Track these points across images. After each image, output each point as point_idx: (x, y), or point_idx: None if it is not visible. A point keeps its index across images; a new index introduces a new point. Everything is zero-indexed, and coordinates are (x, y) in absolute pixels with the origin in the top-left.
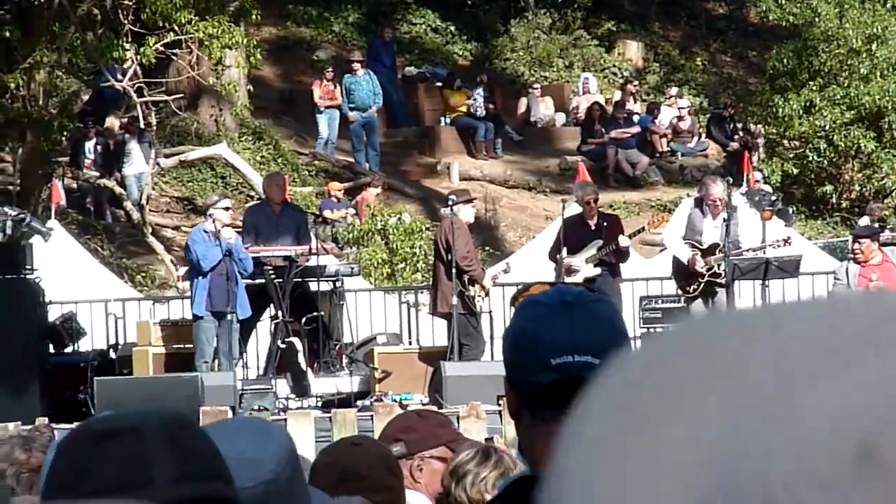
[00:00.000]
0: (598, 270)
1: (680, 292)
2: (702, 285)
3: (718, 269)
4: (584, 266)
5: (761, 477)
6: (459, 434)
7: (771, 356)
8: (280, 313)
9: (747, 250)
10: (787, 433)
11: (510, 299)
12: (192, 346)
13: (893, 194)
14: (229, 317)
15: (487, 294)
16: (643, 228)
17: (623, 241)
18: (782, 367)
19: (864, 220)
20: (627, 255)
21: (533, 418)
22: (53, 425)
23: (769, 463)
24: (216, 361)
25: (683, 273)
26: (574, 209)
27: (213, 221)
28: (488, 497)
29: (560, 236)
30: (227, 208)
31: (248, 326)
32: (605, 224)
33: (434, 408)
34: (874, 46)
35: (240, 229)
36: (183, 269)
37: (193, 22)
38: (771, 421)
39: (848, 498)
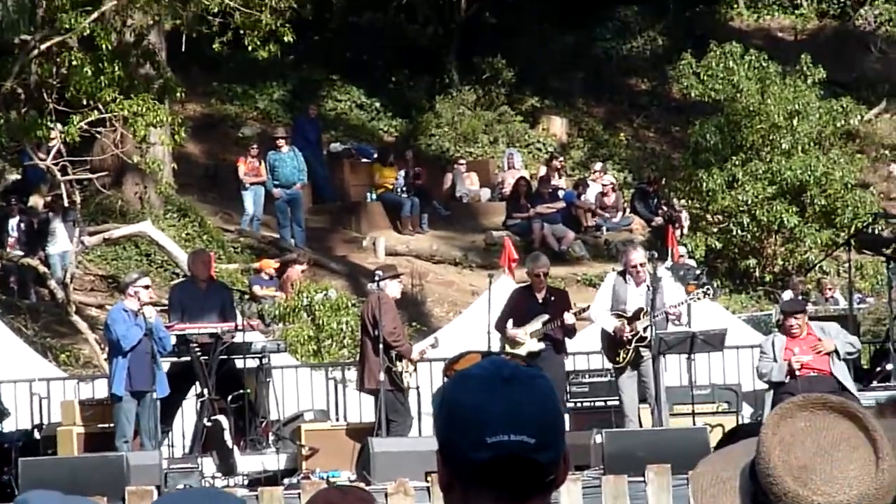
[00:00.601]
0: (542, 345)
1: (609, 365)
2: (630, 352)
3: (644, 332)
4: (528, 340)
5: None
6: None
7: None
8: (206, 391)
9: (671, 308)
10: None
11: (443, 369)
12: (108, 425)
13: (815, 268)
14: (148, 396)
15: (415, 369)
16: (587, 308)
17: (568, 317)
18: None
19: (788, 294)
20: (574, 332)
21: (465, 494)
22: None
23: None
24: (137, 440)
25: (612, 343)
26: (504, 282)
27: (136, 299)
28: None
29: (507, 307)
30: (146, 286)
31: (173, 404)
32: (552, 298)
33: (362, 484)
34: (795, 122)
35: (165, 306)
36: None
37: (118, 100)
38: None
39: None
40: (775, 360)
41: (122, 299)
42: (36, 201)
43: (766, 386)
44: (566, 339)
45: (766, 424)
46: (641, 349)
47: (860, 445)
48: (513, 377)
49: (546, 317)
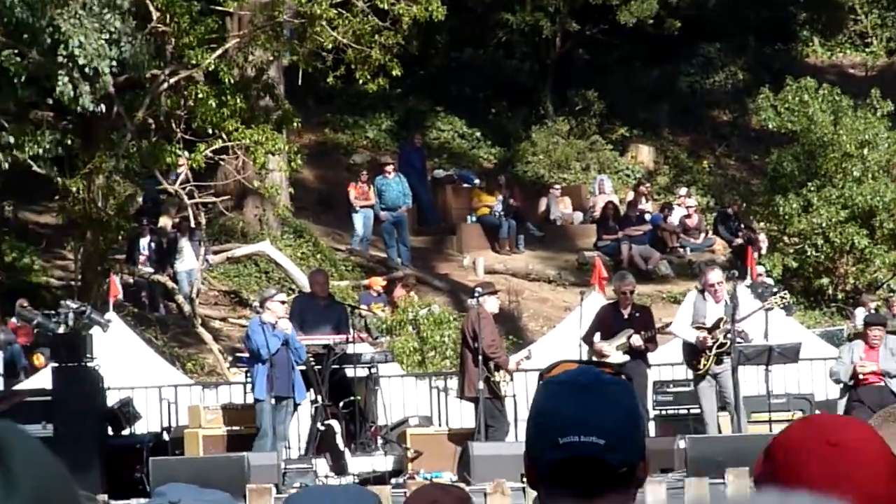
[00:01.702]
0: (626, 358)
1: (690, 375)
2: (710, 359)
3: (724, 338)
4: (613, 352)
5: None
6: None
7: None
8: (320, 397)
9: (748, 315)
10: None
11: (538, 376)
12: (241, 427)
13: (884, 286)
14: (285, 401)
15: (511, 379)
16: (670, 323)
17: (636, 340)
18: None
19: (861, 311)
20: (655, 346)
21: (545, 492)
22: (112, 502)
23: None
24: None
25: (693, 352)
26: (595, 299)
27: (273, 313)
28: None
29: (595, 321)
30: (283, 301)
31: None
32: (637, 314)
33: (462, 485)
34: (866, 151)
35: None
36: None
37: (240, 130)
38: None
39: None
40: (847, 363)
41: (248, 312)
42: (165, 222)
43: (838, 395)
44: (648, 352)
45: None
46: (721, 356)
47: None
48: (590, 383)
49: (631, 331)
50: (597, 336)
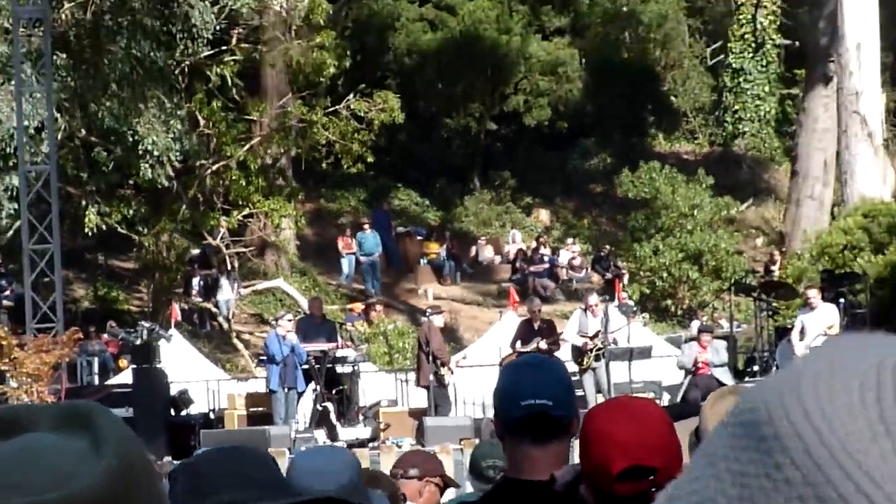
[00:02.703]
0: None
1: (576, 368)
2: (590, 359)
3: (600, 343)
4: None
5: None
6: (443, 468)
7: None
8: (318, 387)
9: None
10: None
11: (499, 363)
12: (263, 408)
13: (710, 305)
14: (290, 391)
15: (452, 373)
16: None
17: (543, 344)
18: None
19: (694, 322)
20: (558, 347)
21: (512, 443)
22: (175, 462)
23: None
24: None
25: (578, 353)
26: (510, 317)
27: (283, 328)
28: None
29: (516, 333)
30: (290, 320)
31: (298, 396)
32: (544, 326)
33: (419, 447)
34: (695, 212)
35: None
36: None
37: (261, 201)
38: None
39: None
40: (689, 360)
41: (271, 329)
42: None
43: (679, 381)
44: (553, 352)
45: (705, 404)
46: (598, 356)
47: None
48: (538, 363)
49: (540, 338)
50: (518, 343)
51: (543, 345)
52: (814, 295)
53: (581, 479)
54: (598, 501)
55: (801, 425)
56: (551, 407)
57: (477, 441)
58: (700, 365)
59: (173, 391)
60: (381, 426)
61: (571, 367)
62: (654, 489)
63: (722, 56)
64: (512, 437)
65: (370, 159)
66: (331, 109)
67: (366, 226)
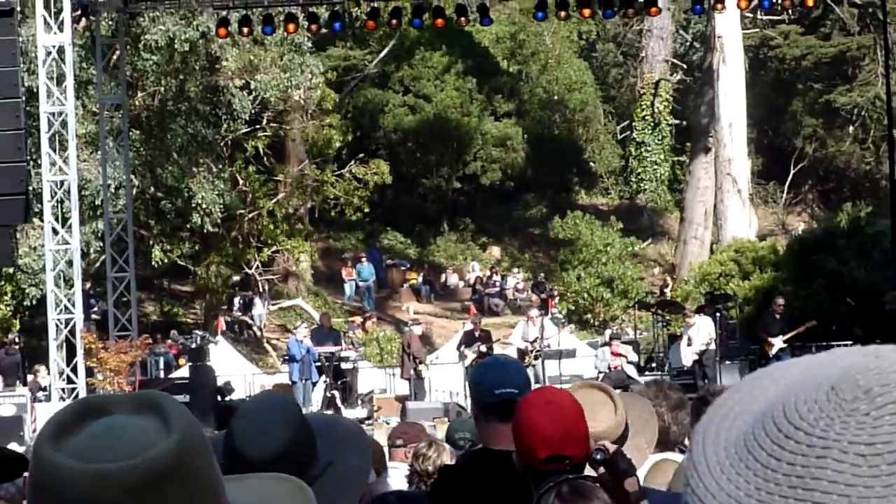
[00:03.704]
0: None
1: None
2: (530, 359)
3: (538, 347)
4: (471, 354)
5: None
6: (429, 436)
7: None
8: (328, 379)
9: (550, 336)
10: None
11: (471, 362)
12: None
13: (619, 318)
14: (307, 382)
15: (428, 369)
16: (498, 339)
17: (483, 348)
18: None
19: (608, 331)
20: (492, 351)
21: (485, 421)
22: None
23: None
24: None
25: (521, 355)
26: (470, 328)
27: (300, 335)
28: (431, 468)
29: (462, 338)
30: (306, 329)
31: (312, 386)
32: (483, 334)
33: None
34: (608, 249)
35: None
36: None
37: (285, 241)
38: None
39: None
40: (603, 360)
41: (294, 335)
42: (246, 290)
43: (595, 375)
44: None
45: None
46: (537, 356)
47: (607, 402)
48: (505, 362)
49: (480, 343)
50: (463, 346)
51: (483, 348)
52: (690, 316)
53: None
54: (525, 471)
55: None
56: (517, 394)
57: (446, 420)
58: (614, 366)
59: (220, 382)
60: (375, 408)
61: None
62: (568, 468)
63: (629, 132)
64: (485, 416)
65: (366, 210)
66: (337, 172)
67: (363, 259)
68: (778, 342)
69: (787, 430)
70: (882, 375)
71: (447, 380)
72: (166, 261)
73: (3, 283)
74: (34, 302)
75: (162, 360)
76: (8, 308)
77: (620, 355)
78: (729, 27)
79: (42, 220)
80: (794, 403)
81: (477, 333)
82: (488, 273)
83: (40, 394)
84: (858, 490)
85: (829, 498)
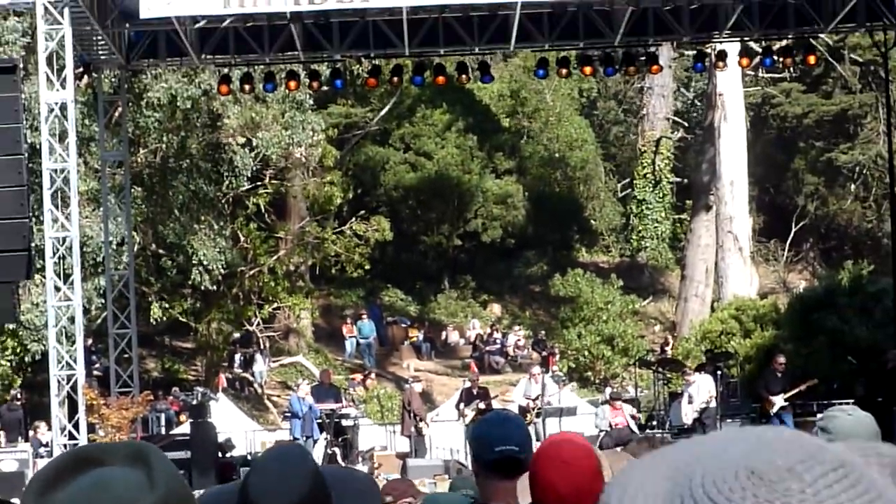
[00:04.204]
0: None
1: None
2: (532, 416)
3: (540, 404)
4: (470, 413)
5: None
6: (419, 492)
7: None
8: (329, 436)
9: (551, 394)
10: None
11: (471, 420)
12: None
13: (619, 377)
14: (308, 439)
15: (428, 426)
16: (497, 395)
17: (482, 405)
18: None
19: (608, 389)
20: (491, 408)
21: (485, 478)
22: None
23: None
24: None
25: (523, 411)
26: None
27: (301, 392)
28: None
29: (460, 396)
30: (307, 386)
31: (313, 443)
32: (481, 391)
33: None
34: (609, 307)
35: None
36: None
37: (286, 298)
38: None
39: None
40: (603, 419)
41: (296, 392)
42: (247, 347)
43: (595, 433)
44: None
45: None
46: (538, 413)
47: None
48: (506, 418)
49: (479, 401)
50: (461, 404)
51: (482, 405)
52: (690, 374)
53: None
54: None
55: None
56: (518, 451)
57: (447, 477)
58: (615, 424)
59: (221, 439)
60: (375, 465)
61: None
62: None
63: (629, 190)
64: (485, 473)
65: (367, 267)
66: (338, 230)
67: (364, 316)
68: (779, 400)
69: None
70: (791, 452)
71: (448, 437)
72: (165, 318)
73: (5, 338)
74: (36, 358)
75: (163, 416)
76: (10, 364)
77: (627, 416)
78: (730, 85)
79: (44, 277)
80: (710, 487)
81: (475, 391)
82: (489, 330)
83: (42, 449)
84: None
85: None
